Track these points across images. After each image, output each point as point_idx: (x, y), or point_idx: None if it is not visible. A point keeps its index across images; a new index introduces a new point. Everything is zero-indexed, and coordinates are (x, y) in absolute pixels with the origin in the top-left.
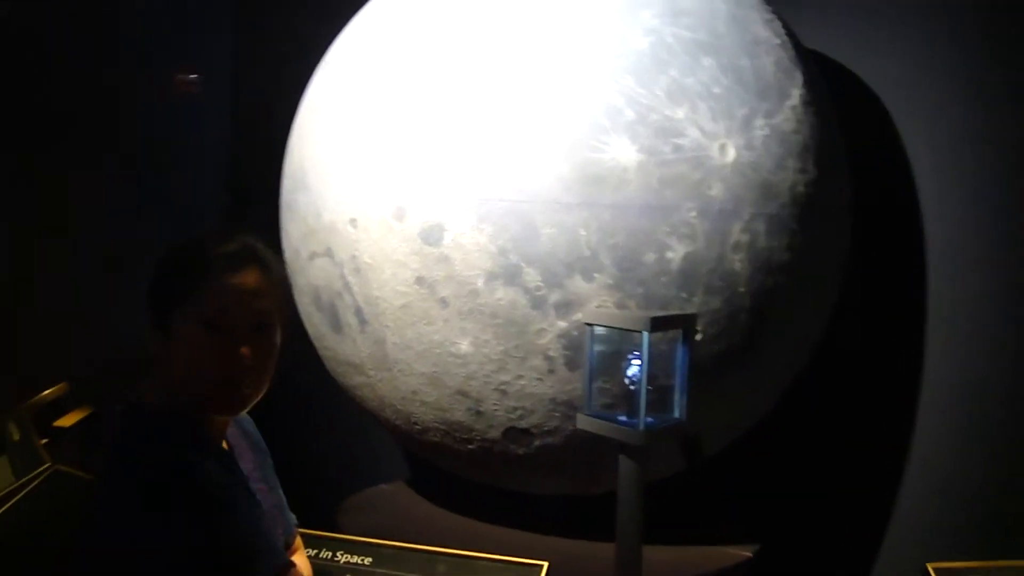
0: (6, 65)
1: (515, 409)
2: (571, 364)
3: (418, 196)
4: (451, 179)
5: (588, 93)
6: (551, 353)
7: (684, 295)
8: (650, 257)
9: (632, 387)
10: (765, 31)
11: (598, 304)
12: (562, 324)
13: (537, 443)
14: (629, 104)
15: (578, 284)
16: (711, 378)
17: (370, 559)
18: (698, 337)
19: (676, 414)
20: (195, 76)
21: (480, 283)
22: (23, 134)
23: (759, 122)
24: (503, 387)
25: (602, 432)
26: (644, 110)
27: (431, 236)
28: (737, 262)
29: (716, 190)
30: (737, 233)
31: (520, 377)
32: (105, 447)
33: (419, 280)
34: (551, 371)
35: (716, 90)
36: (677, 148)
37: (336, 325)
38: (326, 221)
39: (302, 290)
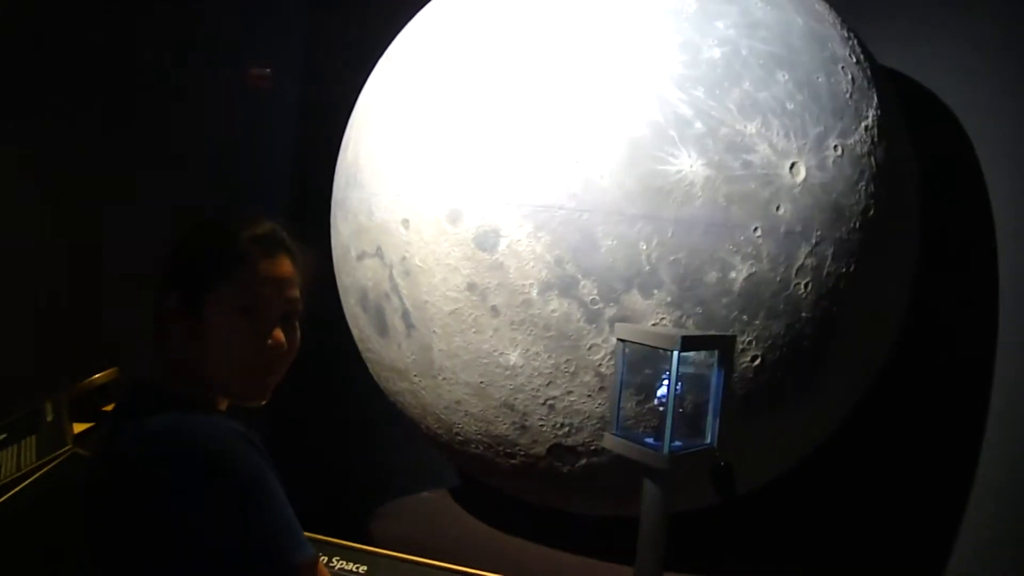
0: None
1: (562, 426)
2: (692, 382)
3: (474, 200)
4: (509, 184)
5: (656, 102)
6: (603, 370)
7: (745, 317)
8: (712, 276)
9: (661, 408)
10: (842, 48)
11: (654, 322)
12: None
13: (583, 462)
14: (699, 116)
15: (635, 300)
16: (767, 406)
17: (365, 567)
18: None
19: (708, 440)
20: (266, 71)
21: (534, 293)
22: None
23: (832, 142)
24: (551, 402)
25: (626, 453)
26: (714, 123)
27: (486, 242)
28: (802, 286)
29: (785, 210)
30: (803, 256)
31: (570, 393)
32: (128, 428)
33: (471, 286)
34: (602, 388)
35: (790, 106)
36: (746, 164)
37: (382, 328)
38: (378, 220)
39: (348, 290)
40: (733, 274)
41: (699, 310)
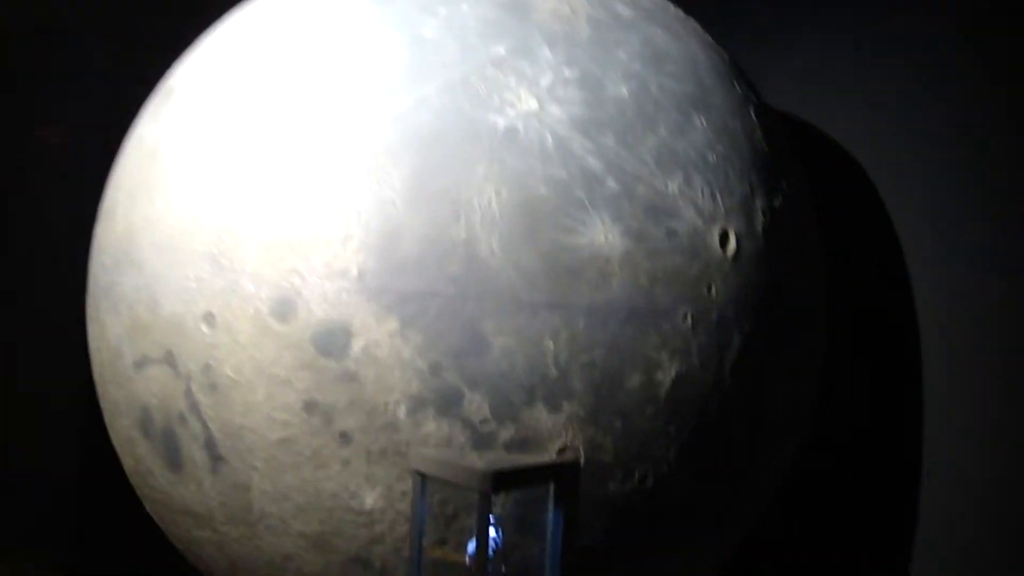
0: None
1: None
2: (524, 526)
3: (311, 285)
4: (361, 263)
5: (557, 152)
6: (497, 510)
7: (672, 429)
8: (635, 380)
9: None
10: (744, 88)
11: (562, 446)
12: None
13: None
14: (610, 171)
15: (539, 416)
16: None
17: None
18: None
19: None
20: None
21: (401, 413)
22: None
23: (759, 203)
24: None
25: None
26: (630, 180)
27: (331, 344)
28: (734, 386)
29: (716, 291)
30: (736, 349)
31: (444, 543)
32: None
33: (309, 406)
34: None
35: (711, 158)
36: (671, 233)
37: (173, 460)
38: (166, 314)
39: (119, 407)
40: (660, 375)
41: (618, 424)
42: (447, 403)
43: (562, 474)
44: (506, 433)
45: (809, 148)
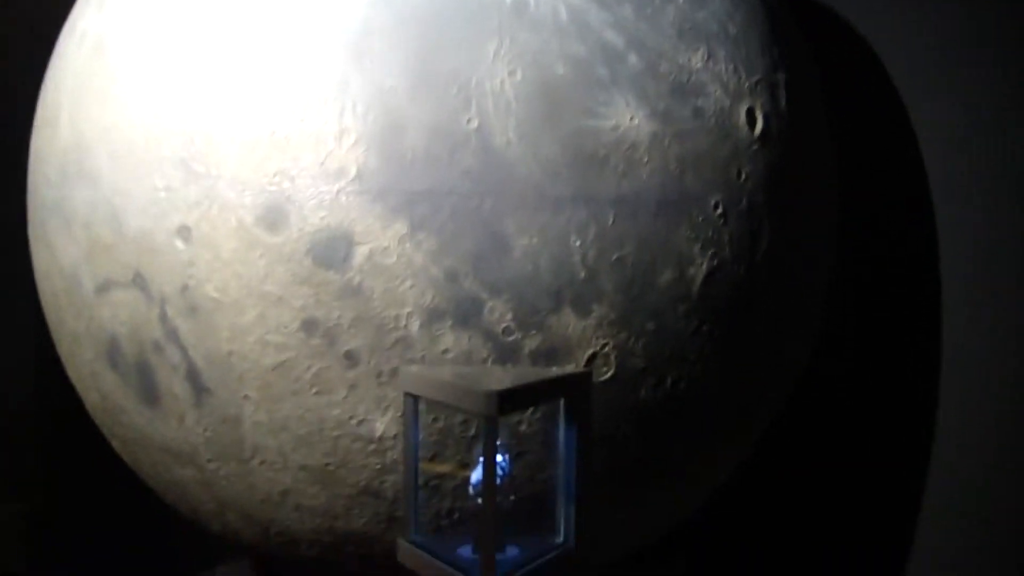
0: None
1: (452, 513)
2: (546, 442)
3: (305, 187)
4: (361, 158)
5: (574, 26)
6: (524, 428)
7: (706, 328)
8: (667, 276)
9: (479, 501)
10: None
11: (592, 351)
12: None
13: None
14: (632, 46)
15: (568, 322)
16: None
17: None
18: None
19: (561, 538)
20: None
21: (414, 327)
22: None
23: (781, 77)
24: (437, 483)
25: (425, 573)
26: (652, 56)
27: (331, 254)
28: (765, 280)
29: (746, 175)
30: (766, 240)
31: (467, 466)
32: None
33: (308, 325)
34: (521, 454)
35: (732, 30)
36: (697, 113)
37: (149, 394)
38: (132, 231)
39: (79, 339)
40: (692, 270)
41: (650, 326)
42: (466, 313)
43: (574, 387)
44: (531, 343)
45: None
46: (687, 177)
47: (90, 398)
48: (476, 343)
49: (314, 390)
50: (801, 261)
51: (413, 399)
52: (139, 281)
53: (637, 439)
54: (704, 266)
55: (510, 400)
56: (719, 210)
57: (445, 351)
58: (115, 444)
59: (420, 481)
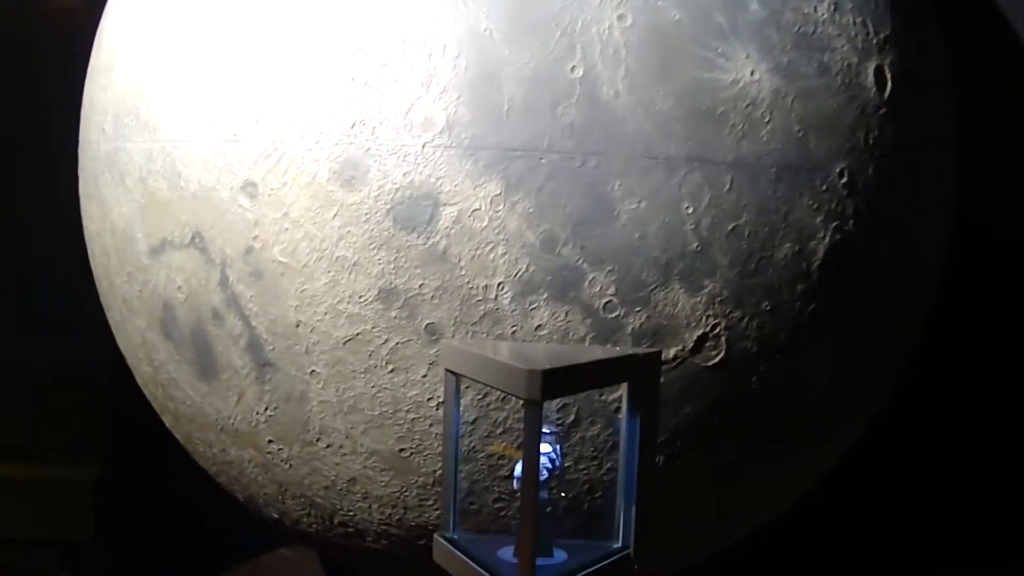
0: None
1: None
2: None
3: (385, 141)
4: (449, 111)
5: None
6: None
7: (822, 310)
8: (785, 251)
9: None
10: None
11: (702, 331)
12: None
13: None
14: None
15: (676, 298)
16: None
17: None
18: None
19: (618, 542)
20: None
21: (505, 299)
22: None
23: (909, 35)
24: (501, 464)
25: (459, 574)
26: (775, 3)
27: (414, 215)
28: (888, 257)
29: (873, 140)
30: (891, 211)
31: (563, 455)
32: None
33: (386, 294)
34: (617, 445)
35: None
36: (823, 69)
37: (205, 367)
38: (192, 187)
39: (131, 304)
40: (813, 244)
41: (766, 305)
42: (563, 285)
43: (639, 369)
44: (635, 321)
45: None
46: (810, 140)
47: (141, 370)
48: (574, 319)
49: (390, 367)
50: (924, 240)
51: (455, 377)
52: (198, 242)
53: (739, 433)
54: (827, 240)
55: (556, 381)
56: (844, 179)
57: (538, 327)
58: (167, 420)
59: (473, 465)
